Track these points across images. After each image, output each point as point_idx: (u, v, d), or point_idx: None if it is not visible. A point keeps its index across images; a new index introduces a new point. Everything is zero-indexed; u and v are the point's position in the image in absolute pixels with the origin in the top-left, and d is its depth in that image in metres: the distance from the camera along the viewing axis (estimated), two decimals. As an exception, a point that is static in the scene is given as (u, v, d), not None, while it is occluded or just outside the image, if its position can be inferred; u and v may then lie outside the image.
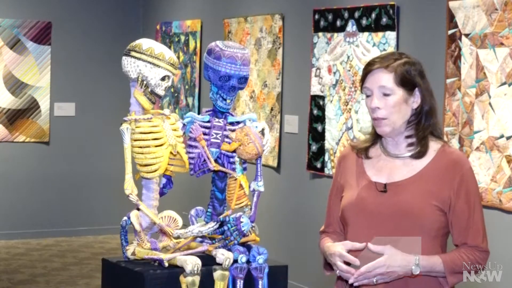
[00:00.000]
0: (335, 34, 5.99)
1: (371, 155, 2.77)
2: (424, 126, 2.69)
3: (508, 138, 4.55)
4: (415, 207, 2.63)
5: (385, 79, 2.66)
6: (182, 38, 8.24)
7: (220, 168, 2.84)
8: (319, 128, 6.17)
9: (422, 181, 2.66)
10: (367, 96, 2.71)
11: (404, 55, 2.73)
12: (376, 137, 2.78)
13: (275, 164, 6.71)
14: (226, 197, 2.88)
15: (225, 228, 2.76)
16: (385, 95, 2.66)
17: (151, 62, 2.77)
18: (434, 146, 2.70)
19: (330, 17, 6.05)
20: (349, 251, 2.66)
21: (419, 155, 2.68)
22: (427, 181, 2.66)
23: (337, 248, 2.66)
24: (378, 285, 2.63)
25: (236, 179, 2.85)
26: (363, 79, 2.72)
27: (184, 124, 2.88)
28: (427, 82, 2.72)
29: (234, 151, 2.84)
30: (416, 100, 2.69)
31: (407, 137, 2.71)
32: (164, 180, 2.88)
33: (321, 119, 6.16)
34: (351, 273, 2.61)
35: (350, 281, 2.62)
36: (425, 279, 2.63)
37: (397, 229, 2.63)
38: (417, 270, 2.60)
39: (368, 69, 2.70)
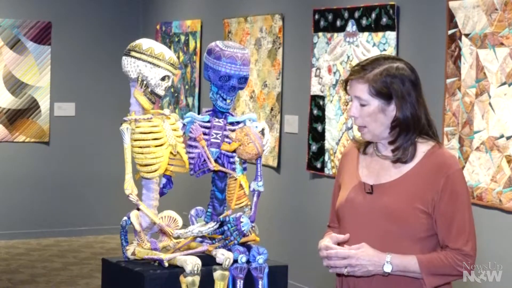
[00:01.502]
0: (335, 34, 5.99)
1: (368, 151, 2.78)
2: (405, 134, 2.66)
3: (508, 138, 4.55)
4: (398, 210, 2.63)
5: (359, 89, 2.66)
6: (182, 38, 8.24)
7: (220, 168, 2.84)
8: (319, 128, 6.17)
9: (407, 184, 2.65)
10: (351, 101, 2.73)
11: (389, 60, 2.68)
12: None
13: (275, 164, 6.71)
14: (226, 197, 2.88)
15: (225, 228, 2.76)
16: (361, 105, 2.66)
17: (151, 62, 2.77)
18: (423, 147, 2.67)
19: (330, 17, 6.05)
20: (339, 244, 2.68)
21: (401, 161, 2.67)
22: (411, 184, 2.64)
23: (324, 242, 2.68)
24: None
25: (236, 179, 2.85)
26: (345, 86, 2.73)
27: (184, 124, 2.88)
28: (411, 88, 2.65)
29: (234, 151, 2.84)
30: (394, 109, 2.65)
31: (390, 143, 2.69)
32: (164, 180, 2.88)
33: (321, 119, 6.16)
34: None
35: (324, 264, 2.65)
36: (406, 280, 2.63)
37: (383, 231, 2.63)
38: (388, 268, 2.59)
39: (347, 78, 2.71)
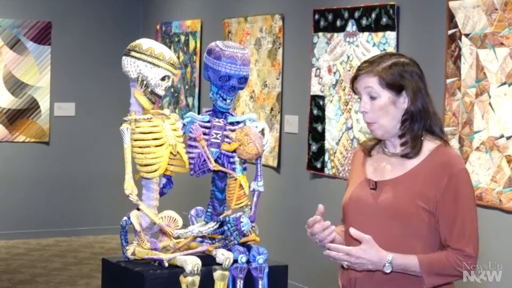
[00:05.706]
0: (335, 34, 5.99)
1: (373, 153, 2.79)
2: (415, 126, 2.68)
3: (508, 138, 4.55)
4: (400, 207, 2.63)
5: (370, 82, 2.68)
6: (182, 38, 8.24)
7: (220, 168, 2.84)
8: (319, 128, 6.17)
9: (410, 181, 2.65)
10: (360, 99, 2.74)
11: (394, 56, 2.73)
12: None
13: (275, 164, 6.71)
14: (226, 197, 2.88)
15: (225, 228, 2.76)
16: (372, 98, 2.68)
17: (151, 62, 2.77)
18: (429, 145, 2.69)
19: (330, 17, 6.05)
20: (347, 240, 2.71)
21: (409, 155, 2.68)
22: (415, 181, 2.65)
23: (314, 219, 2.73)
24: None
25: (236, 179, 2.85)
26: (352, 83, 2.75)
27: (184, 124, 2.88)
28: (419, 81, 2.69)
29: (234, 151, 2.84)
30: (405, 101, 2.68)
31: (400, 136, 2.70)
32: (164, 180, 2.88)
33: (321, 119, 6.16)
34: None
35: (324, 253, 2.66)
36: (407, 278, 2.62)
37: (386, 227, 2.64)
38: (388, 269, 2.59)
39: (356, 74, 2.73)
